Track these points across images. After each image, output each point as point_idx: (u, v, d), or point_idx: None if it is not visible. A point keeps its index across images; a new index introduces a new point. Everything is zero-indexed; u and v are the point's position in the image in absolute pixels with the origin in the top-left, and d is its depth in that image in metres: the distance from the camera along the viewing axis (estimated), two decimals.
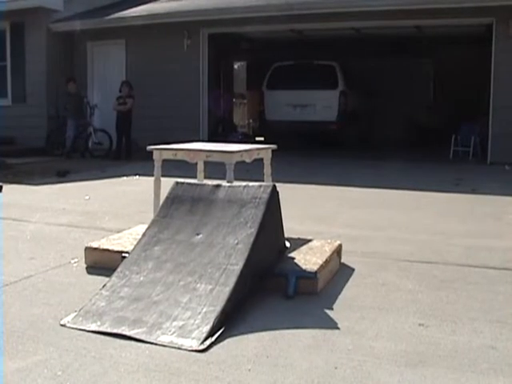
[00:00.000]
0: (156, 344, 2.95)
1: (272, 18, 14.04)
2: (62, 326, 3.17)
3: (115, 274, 3.66)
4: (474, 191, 8.37)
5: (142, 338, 3.00)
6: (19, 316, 3.31)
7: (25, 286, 3.88)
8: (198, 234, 3.78)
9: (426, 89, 20.80)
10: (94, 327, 3.14)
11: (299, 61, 15.56)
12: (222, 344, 2.96)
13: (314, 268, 3.75)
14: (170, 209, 4.08)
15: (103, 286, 3.55)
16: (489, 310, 3.47)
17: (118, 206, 7.18)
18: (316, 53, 16.05)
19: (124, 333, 3.05)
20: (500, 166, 11.60)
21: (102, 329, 3.12)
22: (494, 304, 3.57)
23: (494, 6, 12.22)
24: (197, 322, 3.10)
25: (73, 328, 3.15)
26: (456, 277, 4.17)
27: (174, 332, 3.05)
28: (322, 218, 6.49)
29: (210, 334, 3.00)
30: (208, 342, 2.94)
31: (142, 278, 3.56)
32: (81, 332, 3.10)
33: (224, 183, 4.28)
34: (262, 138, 16.63)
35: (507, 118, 12.23)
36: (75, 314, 3.29)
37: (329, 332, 3.13)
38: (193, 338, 2.97)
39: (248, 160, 5.28)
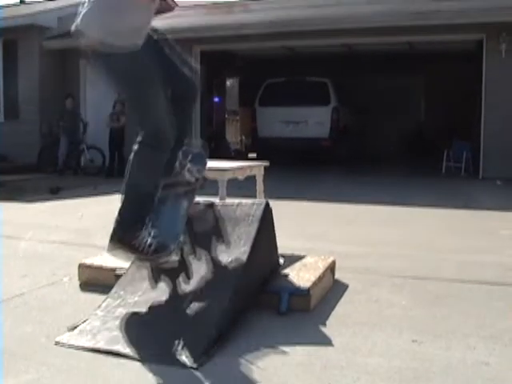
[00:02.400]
0: (150, 362, 2.94)
1: (264, 36, 14.11)
2: (55, 344, 3.16)
3: (110, 294, 3.65)
4: (466, 206, 8.39)
5: (136, 356, 2.99)
6: (11, 334, 3.30)
7: (17, 304, 3.86)
8: (191, 253, 3.77)
9: (418, 104, 20.92)
10: (88, 345, 3.13)
11: (291, 77, 15.62)
12: (215, 361, 2.96)
13: (307, 285, 3.74)
14: None
15: (98, 307, 3.54)
16: (482, 325, 3.47)
17: (110, 223, 7.10)
18: (308, 69, 16.13)
19: (118, 351, 3.04)
20: (492, 181, 11.65)
21: (96, 346, 3.10)
22: (487, 320, 3.57)
23: (484, 22, 12.34)
24: (191, 339, 3.09)
25: (66, 346, 3.14)
26: (449, 292, 4.17)
27: (168, 350, 3.03)
28: (316, 234, 6.48)
29: (204, 352, 2.99)
30: (203, 360, 2.94)
31: (136, 299, 3.55)
32: (74, 351, 3.08)
33: (217, 201, 4.28)
34: (254, 155, 16.65)
35: (498, 134, 12.30)
36: (69, 333, 3.28)
37: (322, 349, 3.12)
38: (186, 356, 2.96)
39: (240, 177, 5.30)
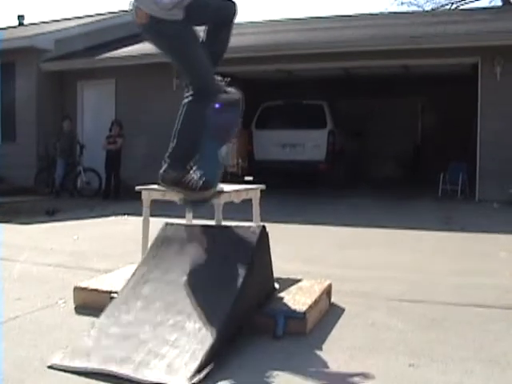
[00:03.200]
0: (143, 382, 2.91)
1: (260, 59, 14.19)
2: (48, 366, 3.13)
3: (104, 313, 3.63)
4: (463, 229, 8.39)
5: (130, 375, 2.97)
6: (5, 358, 3.27)
7: (11, 327, 3.83)
8: (187, 275, 3.76)
9: (414, 127, 20.98)
10: (81, 365, 3.10)
11: (288, 100, 15.66)
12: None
13: (303, 308, 3.73)
14: (160, 249, 4.06)
15: (92, 326, 3.52)
16: (480, 349, 3.46)
17: (106, 246, 7.15)
18: (305, 92, 16.19)
19: (111, 371, 3.02)
20: (488, 204, 11.66)
21: (89, 366, 3.08)
22: (484, 343, 3.56)
23: (479, 46, 12.44)
24: (185, 359, 3.07)
25: (60, 367, 3.11)
26: (446, 316, 4.15)
27: (161, 370, 3.02)
28: (312, 257, 6.47)
29: (198, 371, 2.97)
30: (196, 380, 2.91)
31: (130, 318, 3.53)
32: (67, 375, 3.05)
33: (213, 224, 4.27)
34: (250, 178, 16.65)
35: (494, 156, 12.34)
36: (62, 353, 3.26)
37: (318, 373, 3.10)
38: (180, 376, 2.94)
39: (237, 200, 5.28)
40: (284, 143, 15.20)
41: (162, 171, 4.36)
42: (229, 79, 4.55)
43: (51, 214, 10.28)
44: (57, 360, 3.19)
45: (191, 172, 4.18)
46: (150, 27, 4.15)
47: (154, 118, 15.29)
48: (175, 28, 4.06)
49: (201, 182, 4.12)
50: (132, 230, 7.53)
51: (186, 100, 4.32)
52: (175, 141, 4.35)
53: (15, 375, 3.04)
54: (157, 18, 4.00)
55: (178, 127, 4.34)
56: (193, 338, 3.23)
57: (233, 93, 4.55)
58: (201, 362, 3.03)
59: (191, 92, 4.29)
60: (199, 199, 4.27)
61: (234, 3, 4.39)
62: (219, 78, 4.48)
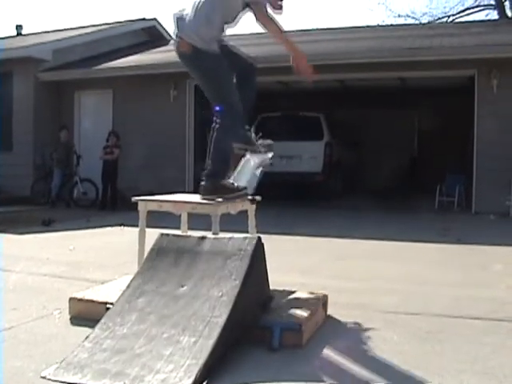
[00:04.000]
0: None
1: (258, 70, 14.19)
2: (42, 378, 3.12)
3: (98, 325, 3.62)
4: (459, 241, 8.39)
5: None
6: None
7: (6, 338, 3.82)
8: (182, 286, 3.75)
9: (411, 139, 21.02)
10: (75, 379, 3.09)
11: (285, 112, 15.68)
12: None
13: (299, 320, 3.72)
14: (155, 260, 4.05)
15: (86, 338, 3.50)
16: (475, 361, 3.45)
17: (102, 257, 7.14)
18: (302, 104, 16.23)
19: None
20: (485, 216, 11.68)
21: (83, 381, 3.07)
22: (480, 355, 3.55)
23: (475, 58, 12.48)
24: (179, 374, 3.06)
25: (53, 380, 3.10)
26: (442, 328, 4.15)
27: None
28: (308, 269, 6.47)
29: None
30: None
31: (125, 330, 3.52)
32: None
33: (209, 235, 4.27)
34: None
35: (491, 168, 12.36)
36: (57, 366, 3.24)
37: None
38: None
39: (233, 212, 5.28)
40: (281, 155, 15.19)
41: (201, 185, 5.00)
42: (260, 134, 5.26)
43: (47, 224, 10.26)
44: (51, 372, 3.18)
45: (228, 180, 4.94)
46: (190, 56, 4.74)
47: (151, 129, 15.32)
48: (213, 58, 4.71)
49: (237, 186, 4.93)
50: (128, 241, 7.51)
51: (216, 125, 4.92)
52: (209, 161, 4.98)
53: None
54: (197, 48, 4.64)
55: (211, 149, 4.96)
56: (187, 353, 3.22)
57: (267, 141, 5.32)
58: (195, 377, 3.01)
59: (220, 118, 4.89)
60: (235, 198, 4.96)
61: (254, 64, 5.19)
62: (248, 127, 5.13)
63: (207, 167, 4.98)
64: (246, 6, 4.77)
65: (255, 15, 4.75)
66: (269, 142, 5.33)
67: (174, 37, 4.91)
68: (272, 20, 4.78)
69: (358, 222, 11.12)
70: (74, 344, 3.54)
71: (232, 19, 4.88)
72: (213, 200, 4.81)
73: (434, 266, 6.71)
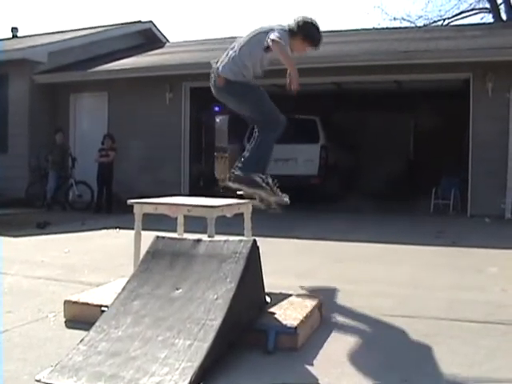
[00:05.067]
0: None
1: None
2: (37, 381, 3.11)
3: (93, 328, 3.61)
4: (454, 244, 8.40)
5: None
6: None
7: (0, 341, 3.81)
8: (177, 289, 3.75)
9: (407, 142, 21.04)
10: (69, 383, 3.08)
11: None
12: None
13: (294, 323, 3.72)
14: (150, 263, 4.05)
15: (81, 341, 3.49)
16: (471, 364, 3.45)
17: (97, 260, 7.13)
18: (297, 107, 16.22)
19: None
20: (480, 219, 11.70)
21: (78, 383, 3.06)
22: (476, 358, 3.55)
23: (470, 61, 12.50)
24: (174, 377, 3.05)
25: (48, 382, 3.09)
26: (438, 331, 4.15)
27: None
28: (304, 272, 6.46)
29: None
30: None
31: (120, 333, 3.51)
32: None
33: (204, 238, 4.26)
34: (242, 192, 16.63)
35: (486, 171, 12.38)
36: (51, 368, 3.23)
37: None
38: None
39: (229, 215, 5.29)
40: (276, 157, 15.19)
41: (233, 173, 5.61)
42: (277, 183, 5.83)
43: (42, 227, 10.24)
44: (45, 375, 3.17)
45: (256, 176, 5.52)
46: (225, 87, 5.51)
47: (146, 132, 15.31)
48: (244, 83, 5.51)
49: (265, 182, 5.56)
50: (124, 244, 7.51)
51: (256, 134, 5.62)
52: (248, 154, 5.63)
53: None
54: (231, 80, 5.44)
55: (251, 146, 5.64)
56: (183, 356, 3.21)
57: (283, 196, 5.90)
58: (190, 380, 3.01)
59: (259, 128, 5.61)
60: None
61: (282, 121, 5.71)
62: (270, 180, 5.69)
63: (242, 158, 5.64)
64: (267, 48, 5.35)
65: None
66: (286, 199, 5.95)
67: (211, 79, 5.67)
68: (287, 54, 5.48)
69: (354, 225, 11.12)
70: (68, 347, 3.53)
71: (258, 62, 5.59)
72: (240, 190, 5.63)
73: (429, 268, 6.71)
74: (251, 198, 5.68)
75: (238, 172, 5.54)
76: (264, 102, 5.58)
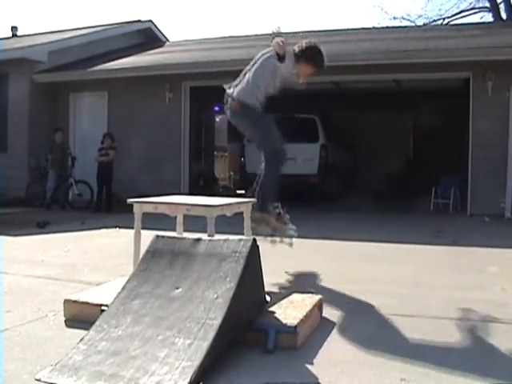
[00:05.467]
0: None
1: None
2: (37, 380, 3.11)
3: (93, 327, 3.61)
4: (454, 243, 8.40)
5: None
6: None
7: (0, 340, 3.81)
8: (177, 288, 3.75)
9: (406, 141, 21.04)
10: (69, 382, 3.08)
11: (280, 114, 15.65)
12: None
13: (294, 322, 3.72)
14: (150, 262, 4.05)
15: (81, 340, 3.49)
16: (471, 363, 3.45)
17: (97, 259, 7.13)
18: (296, 106, 16.22)
19: None
20: (480, 218, 11.70)
21: (78, 382, 3.06)
22: (476, 357, 3.55)
23: (470, 60, 12.50)
24: (174, 377, 3.05)
25: (48, 383, 3.09)
26: (438, 330, 4.14)
27: None
28: (304, 271, 6.46)
29: None
30: None
31: (120, 332, 3.51)
32: None
33: (204, 237, 4.26)
34: (242, 191, 16.64)
35: (486, 170, 12.39)
36: (51, 368, 3.23)
37: None
38: None
39: (228, 214, 5.29)
40: None
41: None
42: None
43: (42, 226, 10.24)
44: (45, 375, 3.17)
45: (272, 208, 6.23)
46: (240, 110, 5.99)
47: (146, 131, 15.31)
48: (257, 111, 5.99)
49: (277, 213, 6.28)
50: (123, 243, 7.51)
51: (265, 161, 6.14)
52: (261, 190, 6.15)
53: None
54: (245, 103, 5.92)
55: (263, 180, 6.16)
56: (183, 355, 3.21)
57: (291, 229, 6.59)
58: (190, 379, 3.01)
59: (266, 157, 6.12)
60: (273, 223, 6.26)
61: (284, 153, 6.30)
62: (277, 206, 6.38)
63: (255, 190, 6.20)
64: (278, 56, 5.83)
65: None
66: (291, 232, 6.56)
67: (226, 103, 6.12)
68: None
69: (353, 224, 11.13)
70: (68, 346, 3.53)
71: (270, 81, 6.06)
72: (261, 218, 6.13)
73: (429, 268, 6.72)
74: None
75: (257, 209, 6.09)
76: (271, 130, 6.11)
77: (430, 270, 6.59)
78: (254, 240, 3.93)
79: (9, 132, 16.08)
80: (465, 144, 13.66)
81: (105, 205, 13.94)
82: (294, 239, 6.67)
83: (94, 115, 16.59)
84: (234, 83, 6.12)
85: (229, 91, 6.08)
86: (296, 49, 6.15)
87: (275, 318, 3.85)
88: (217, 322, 3.37)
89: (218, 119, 22.56)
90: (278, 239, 6.40)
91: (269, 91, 6.10)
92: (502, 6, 28.10)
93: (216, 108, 19.69)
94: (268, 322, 3.78)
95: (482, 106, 12.62)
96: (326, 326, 4.23)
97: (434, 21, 29.41)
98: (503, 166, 12.37)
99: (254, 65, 6.17)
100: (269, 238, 6.24)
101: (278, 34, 5.81)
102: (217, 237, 4.37)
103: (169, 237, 4.29)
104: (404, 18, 30.89)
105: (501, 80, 12.36)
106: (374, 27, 24.97)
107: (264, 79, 6.00)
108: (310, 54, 6.22)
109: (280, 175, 6.24)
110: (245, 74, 6.17)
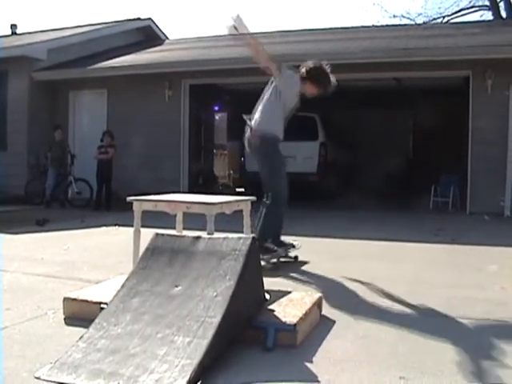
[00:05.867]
0: None
1: (252, 70, 14.17)
2: (36, 378, 3.11)
3: (93, 325, 3.61)
4: (454, 241, 8.40)
5: None
6: None
7: (0, 338, 3.80)
8: (176, 286, 3.75)
9: (406, 140, 21.04)
10: (69, 380, 3.07)
11: None
12: None
13: (294, 320, 3.72)
14: (150, 260, 4.05)
15: (80, 338, 3.49)
16: (471, 361, 3.44)
17: (97, 257, 7.13)
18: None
19: None
20: (479, 216, 11.70)
21: (77, 381, 3.05)
22: (475, 356, 3.55)
23: (470, 59, 12.49)
24: (174, 374, 3.05)
25: (47, 380, 3.09)
26: (437, 328, 4.14)
27: None
28: (303, 269, 6.46)
29: None
30: None
31: (119, 330, 3.51)
32: None
33: (204, 235, 4.26)
34: (242, 189, 16.65)
35: (485, 168, 12.39)
36: (50, 366, 3.23)
37: None
38: None
39: (228, 212, 5.30)
40: None
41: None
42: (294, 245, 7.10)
43: (42, 224, 10.23)
44: (44, 372, 3.17)
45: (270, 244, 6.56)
46: (257, 142, 6.45)
47: (145, 129, 15.31)
48: (273, 145, 6.54)
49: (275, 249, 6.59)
50: (123, 241, 7.51)
51: (266, 204, 6.56)
52: (262, 230, 6.49)
53: None
54: (264, 133, 6.40)
55: (261, 219, 6.54)
56: (182, 353, 3.21)
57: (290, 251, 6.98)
58: (190, 377, 3.00)
59: (270, 199, 6.53)
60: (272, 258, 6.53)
61: (285, 198, 6.75)
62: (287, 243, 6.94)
63: (256, 229, 6.43)
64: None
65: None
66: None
67: (245, 133, 6.65)
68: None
69: (353, 222, 11.13)
70: (68, 344, 3.53)
71: (287, 100, 6.69)
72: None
73: (428, 266, 6.72)
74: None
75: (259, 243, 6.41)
76: (280, 170, 6.62)
77: (430, 268, 6.59)
78: (254, 238, 3.93)
79: (8, 130, 16.07)
80: (464, 142, 13.66)
81: (104, 203, 13.94)
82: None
83: (93, 113, 16.58)
84: (252, 116, 6.63)
85: (249, 123, 6.57)
86: (302, 69, 6.67)
87: (275, 316, 3.84)
88: (216, 320, 3.37)
89: (217, 117, 22.55)
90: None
91: (286, 111, 6.77)
92: (501, 5, 28.13)
93: (215, 106, 19.71)
94: (267, 320, 3.77)
95: (481, 105, 12.61)
96: (325, 324, 4.23)
97: (434, 19, 29.45)
98: (503, 164, 12.37)
99: (269, 90, 6.66)
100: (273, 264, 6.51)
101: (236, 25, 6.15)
102: (216, 235, 4.37)
103: (168, 235, 4.28)
104: (404, 17, 30.94)
105: (500, 78, 12.36)
106: (373, 25, 24.98)
107: (278, 99, 6.54)
108: (315, 75, 6.71)
109: (281, 216, 6.72)
110: (260, 104, 6.65)
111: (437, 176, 14.40)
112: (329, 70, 6.76)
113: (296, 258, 6.91)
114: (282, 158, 6.71)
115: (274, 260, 6.59)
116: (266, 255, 6.32)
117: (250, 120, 6.56)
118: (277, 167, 6.55)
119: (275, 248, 6.58)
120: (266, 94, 6.59)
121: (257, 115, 6.54)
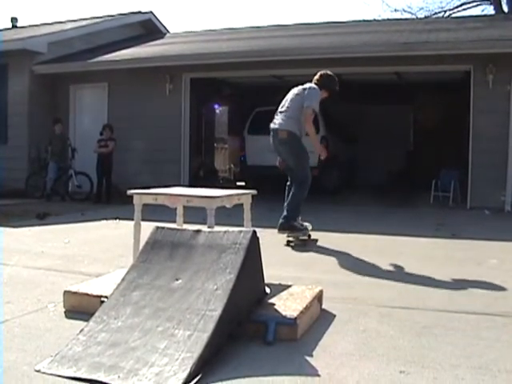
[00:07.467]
0: None
1: (252, 64, 14.19)
2: (36, 371, 3.11)
3: (93, 318, 3.61)
4: (454, 236, 8.40)
5: None
6: None
7: (0, 331, 3.80)
8: (177, 280, 3.75)
9: (406, 134, 21.01)
10: (69, 373, 3.08)
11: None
12: None
13: (294, 314, 3.72)
14: (150, 254, 4.04)
15: (80, 331, 3.50)
16: (470, 356, 3.45)
17: (97, 250, 7.12)
18: None
19: (100, 379, 3.00)
20: (480, 211, 11.69)
21: (77, 375, 3.06)
22: (475, 350, 3.55)
23: (471, 53, 12.46)
24: (174, 368, 3.05)
25: (47, 374, 3.09)
26: (437, 322, 4.15)
27: (150, 379, 2.99)
28: (303, 263, 6.46)
29: (188, 381, 2.94)
30: None
31: (119, 324, 3.51)
32: (55, 378, 3.04)
33: (204, 228, 4.26)
34: (242, 183, 16.64)
35: (486, 163, 12.37)
36: (51, 359, 3.23)
37: (309, 379, 3.09)
38: None
39: (228, 205, 5.29)
40: None
41: (279, 223, 7.51)
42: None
43: (42, 218, 10.23)
44: (45, 366, 3.17)
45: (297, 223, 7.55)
46: (286, 139, 7.55)
47: (146, 123, 15.29)
48: (299, 141, 7.61)
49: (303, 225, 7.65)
50: (123, 234, 7.51)
51: (295, 186, 7.60)
52: (286, 207, 7.53)
53: (3, 380, 3.01)
54: (290, 131, 7.53)
55: (289, 200, 7.54)
56: (182, 346, 3.21)
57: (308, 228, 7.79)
58: (190, 370, 3.01)
59: (297, 181, 7.59)
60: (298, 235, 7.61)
61: (309, 182, 7.67)
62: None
63: (284, 211, 7.50)
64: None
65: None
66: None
67: (272, 134, 7.74)
68: (313, 130, 7.67)
69: (353, 217, 11.13)
70: (68, 337, 3.53)
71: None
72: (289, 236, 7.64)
73: (428, 260, 6.71)
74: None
75: (282, 221, 7.46)
76: (306, 162, 7.66)
77: (430, 262, 6.58)
78: (254, 232, 3.93)
79: (9, 123, 16.05)
80: (465, 137, 13.64)
81: (104, 196, 13.93)
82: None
83: (94, 107, 16.55)
84: (275, 121, 7.74)
85: (273, 126, 7.69)
86: (314, 80, 7.79)
87: (275, 309, 3.85)
88: (216, 314, 3.37)
89: (218, 111, 22.53)
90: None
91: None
92: None
93: (216, 100, 19.69)
94: (268, 313, 3.78)
95: (482, 99, 12.58)
96: (325, 318, 4.23)
97: (436, 13, 29.39)
98: (503, 159, 12.35)
99: (291, 100, 7.76)
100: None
101: None
102: (217, 228, 4.37)
103: (169, 228, 4.28)
104: (405, 11, 30.96)
105: (502, 73, 12.33)
106: (374, 19, 24.91)
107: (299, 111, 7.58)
108: (327, 82, 7.85)
109: (304, 198, 7.61)
110: (283, 109, 7.77)
111: (437, 171, 14.37)
112: (333, 75, 7.91)
113: (309, 236, 7.79)
114: (307, 152, 7.72)
115: (304, 237, 7.64)
116: (296, 232, 7.52)
117: (277, 120, 7.65)
118: (306, 158, 7.65)
119: (304, 225, 7.61)
120: (296, 100, 7.67)
121: (285, 116, 7.62)
